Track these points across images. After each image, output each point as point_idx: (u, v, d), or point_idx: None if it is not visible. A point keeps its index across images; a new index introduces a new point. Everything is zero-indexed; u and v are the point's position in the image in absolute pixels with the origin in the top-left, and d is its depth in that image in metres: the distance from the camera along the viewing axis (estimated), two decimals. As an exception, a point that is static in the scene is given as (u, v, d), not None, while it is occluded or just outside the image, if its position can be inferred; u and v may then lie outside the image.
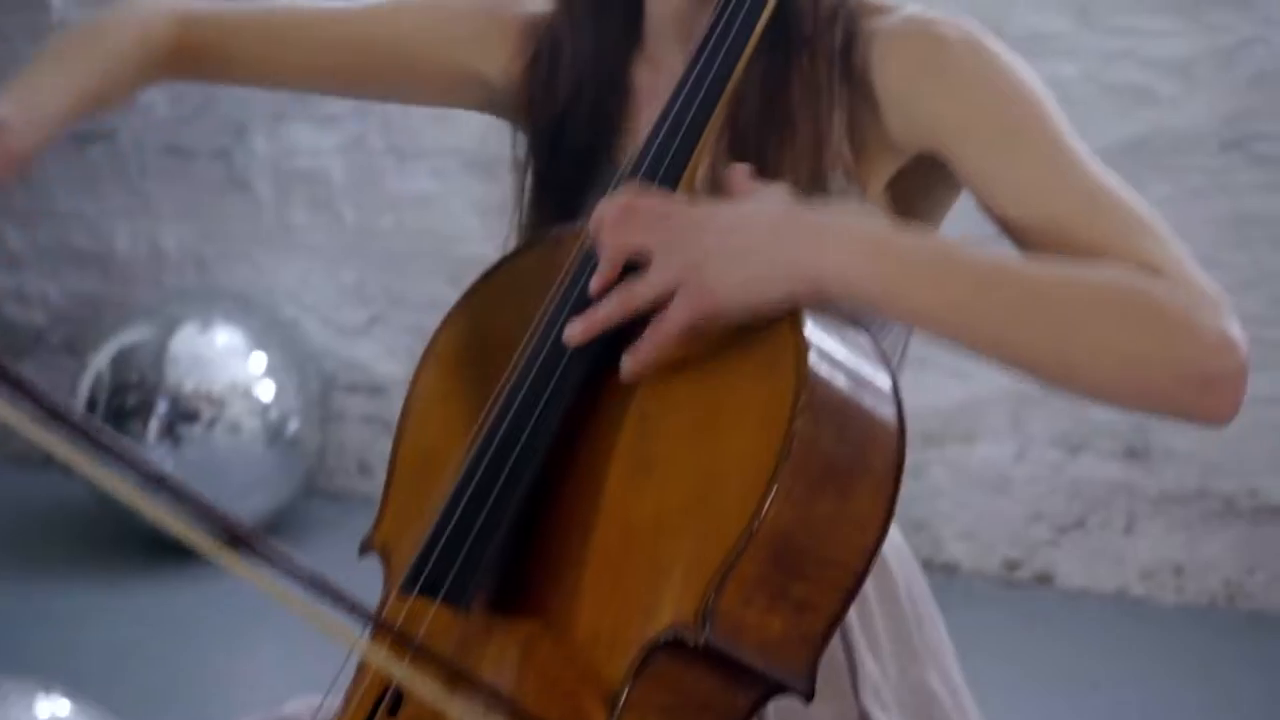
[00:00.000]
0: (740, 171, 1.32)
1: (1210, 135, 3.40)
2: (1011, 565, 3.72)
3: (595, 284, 1.28)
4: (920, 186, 1.50)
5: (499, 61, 1.67)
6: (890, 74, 1.44)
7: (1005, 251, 1.30)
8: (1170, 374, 1.25)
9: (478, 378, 1.38)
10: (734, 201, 1.30)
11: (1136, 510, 3.61)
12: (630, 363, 1.26)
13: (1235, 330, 1.25)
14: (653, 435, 1.27)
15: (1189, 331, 1.25)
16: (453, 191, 4.01)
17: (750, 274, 1.25)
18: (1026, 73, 1.43)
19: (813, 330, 1.23)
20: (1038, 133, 1.40)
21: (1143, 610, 3.61)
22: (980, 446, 3.69)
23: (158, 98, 4.28)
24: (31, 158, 1.50)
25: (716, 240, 1.26)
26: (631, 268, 1.27)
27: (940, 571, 3.74)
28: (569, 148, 1.58)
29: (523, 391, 1.31)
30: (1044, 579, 3.70)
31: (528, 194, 1.62)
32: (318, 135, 4.15)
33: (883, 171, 1.49)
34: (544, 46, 1.63)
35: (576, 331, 1.28)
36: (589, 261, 1.31)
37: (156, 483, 1.11)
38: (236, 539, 1.17)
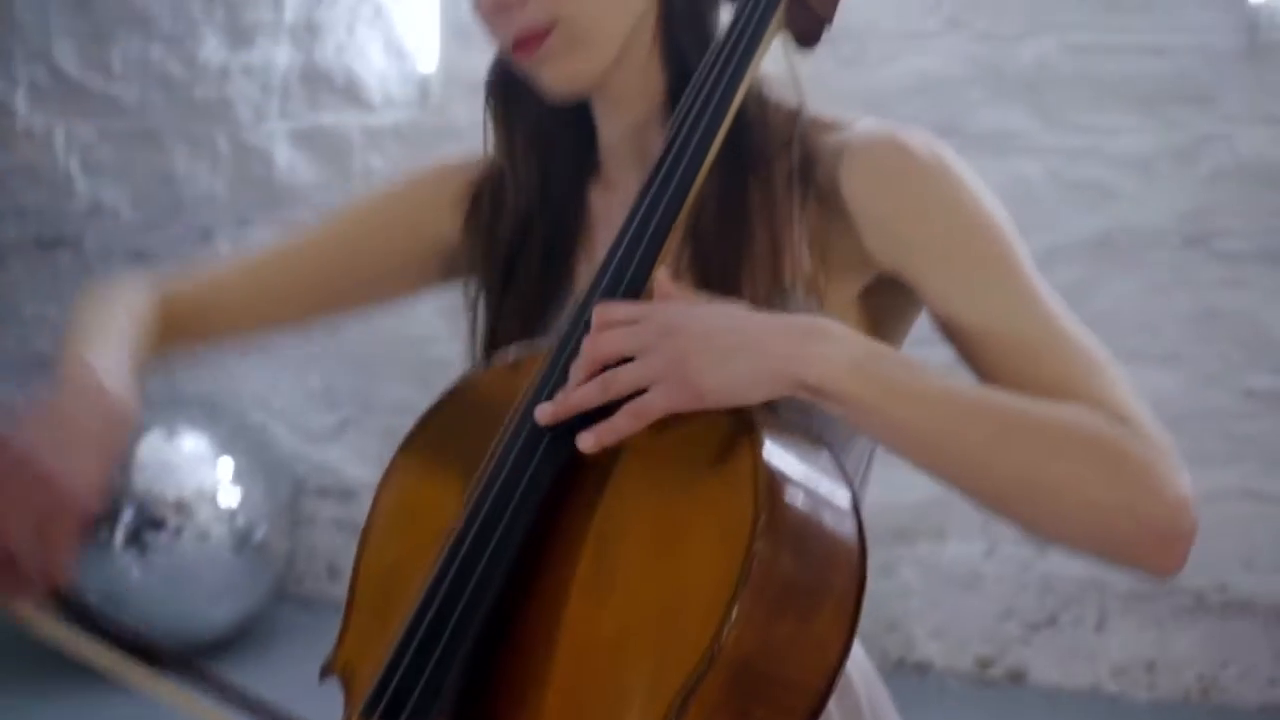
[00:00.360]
0: (662, 276, 1.33)
1: (1172, 231, 3.42)
2: (984, 663, 3.71)
3: (571, 389, 1.28)
4: (887, 304, 1.50)
5: (450, 220, 1.68)
6: (860, 189, 1.45)
7: (978, 384, 1.31)
8: (1133, 526, 1.26)
9: (438, 499, 1.38)
10: (711, 304, 1.31)
11: (1108, 607, 3.60)
12: (590, 436, 1.26)
13: (1188, 488, 1.26)
14: (612, 556, 1.26)
15: (1154, 488, 1.25)
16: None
17: (736, 372, 1.26)
18: (990, 197, 1.44)
19: (772, 450, 1.23)
20: (1004, 264, 1.40)
21: (1116, 707, 3.59)
22: (950, 544, 3.69)
23: (122, 203, 4.29)
24: (131, 421, 1.44)
25: (700, 340, 1.27)
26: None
27: (913, 671, 3.72)
28: (524, 276, 1.59)
29: (485, 507, 1.30)
30: (1017, 677, 3.69)
31: (481, 328, 1.62)
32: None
33: (848, 288, 1.49)
34: (485, 185, 1.64)
35: (548, 412, 1.28)
36: (554, 377, 1.31)
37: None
38: (168, 663, 1.16)
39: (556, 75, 1.52)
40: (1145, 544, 1.27)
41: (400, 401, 3.98)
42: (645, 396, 1.25)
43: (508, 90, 1.61)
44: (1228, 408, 3.41)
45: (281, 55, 4.11)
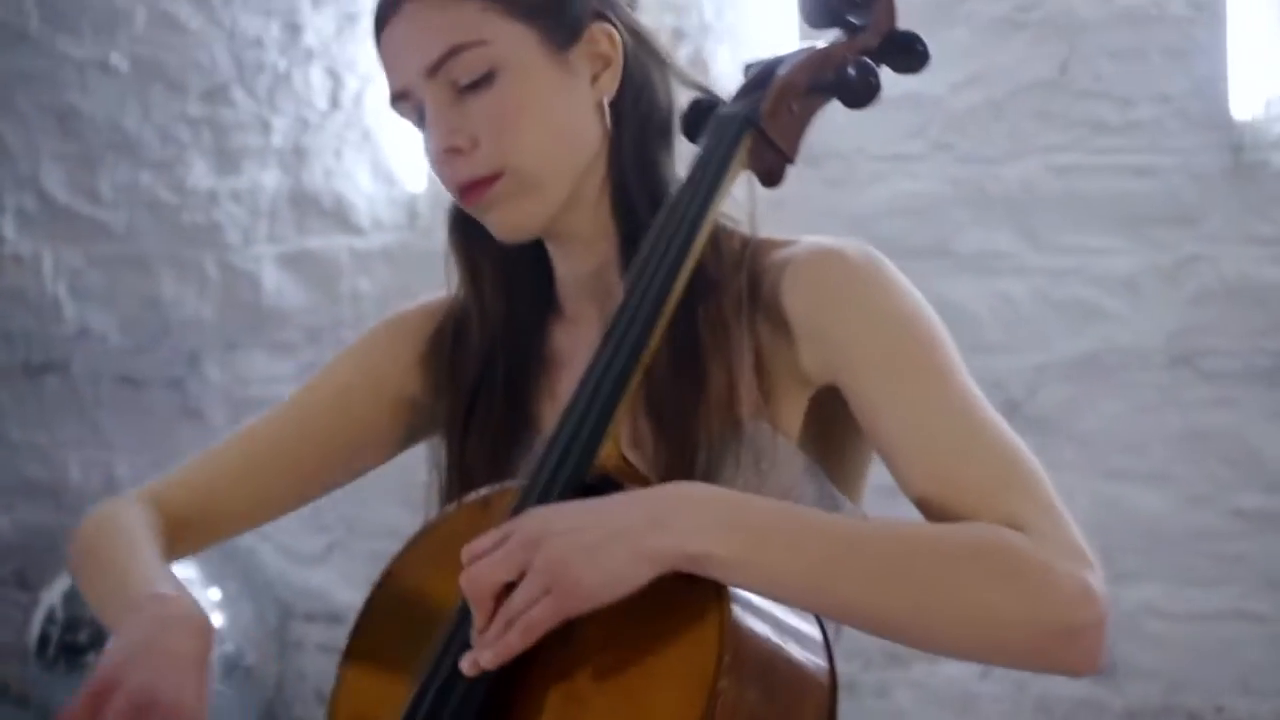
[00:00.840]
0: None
1: (1159, 350, 3.43)
2: (977, 786, 3.68)
3: (479, 629, 1.27)
4: (840, 418, 1.51)
5: (418, 379, 1.69)
6: (798, 298, 1.47)
7: (867, 518, 1.35)
8: (1029, 630, 1.26)
9: (406, 655, 1.38)
10: (571, 502, 1.31)
11: (1102, 728, 3.58)
12: (473, 658, 1.26)
13: (1096, 582, 1.28)
14: (578, 703, 1.26)
15: (1047, 585, 1.26)
16: (408, 418, 4.00)
17: (613, 564, 1.25)
18: (922, 304, 1.46)
19: (739, 613, 1.23)
20: (927, 367, 1.42)
21: (1111, 830, 3.56)
22: (944, 665, 3.67)
23: (110, 328, 4.29)
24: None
25: (566, 540, 1.26)
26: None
27: (905, 794, 3.69)
28: (486, 415, 1.59)
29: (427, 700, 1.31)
30: (1010, 800, 3.66)
31: (445, 477, 1.62)
32: (271, 363, 4.16)
33: (795, 406, 1.50)
34: (448, 323, 1.65)
35: (467, 664, 1.28)
36: (464, 618, 1.31)
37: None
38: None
39: (503, 220, 1.53)
40: (1047, 645, 1.26)
41: (388, 524, 3.92)
42: (532, 613, 1.24)
43: (469, 226, 1.62)
44: (1217, 528, 3.40)
45: (269, 179, 4.12)
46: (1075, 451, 3.44)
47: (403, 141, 3.95)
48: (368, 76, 4.03)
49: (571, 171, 1.53)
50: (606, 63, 1.56)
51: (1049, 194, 3.48)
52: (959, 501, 1.34)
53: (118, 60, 4.23)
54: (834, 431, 1.52)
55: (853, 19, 1.53)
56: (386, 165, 4.01)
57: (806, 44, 1.55)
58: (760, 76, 1.53)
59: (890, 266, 1.48)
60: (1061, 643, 1.26)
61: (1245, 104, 3.35)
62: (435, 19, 1.50)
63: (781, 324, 1.48)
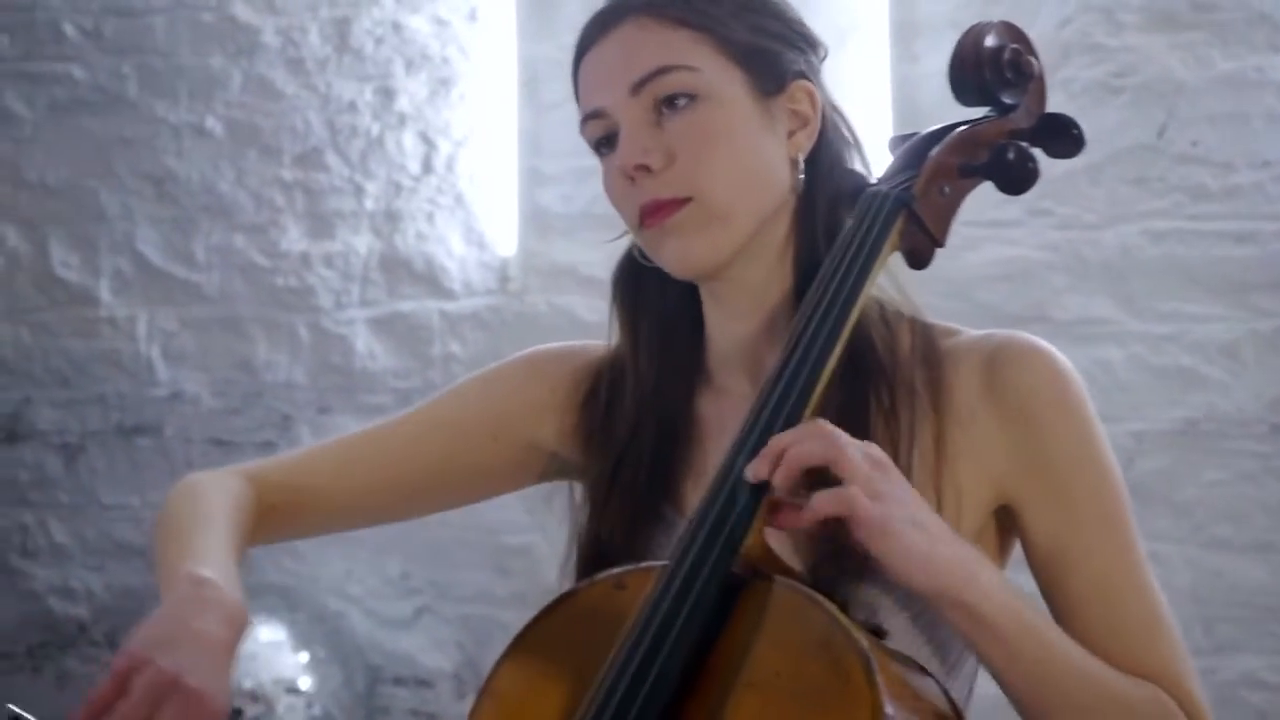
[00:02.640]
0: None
1: (1259, 419, 3.38)
2: None
3: (778, 440, 1.32)
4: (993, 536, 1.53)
5: (552, 427, 1.66)
6: (1006, 413, 1.47)
7: (1075, 645, 1.40)
8: None
9: (543, 712, 1.37)
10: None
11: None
12: (776, 517, 1.31)
13: None
14: None
15: None
16: (498, 482, 4.00)
17: (925, 551, 1.28)
18: (1109, 444, 1.48)
19: (884, 684, 1.23)
20: (1122, 526, 1.47)
21: None
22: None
23: (202, 390, 4.31)
24: (246, 615, 1.47)
25: (911, 499, 1.30)
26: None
27: None
28: (629, 483, 1.56)
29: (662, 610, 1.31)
30: None
31: (584, 532, 1.59)
32: (361, 425, 4.15)
33: (971, 502, 1.48)
34: (603, 382, 1.62)
35: (755, 467, 1.31)
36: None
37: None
38: None
39: (683, 250, 1.50)
40: None
41: (478, 589, 3.95)
42: (853, 493, 1.28)
43: (637, 282, 1.59)
44: (1320, 599, 3.35)
45: (361, 243, 4.14)
46: (1175, 521, 3.40)
47: (494, 205, 3.96)
48: (460, 141, 4.04)
49: (758, 213, 1.51)
50: (804, 121, 1.56)
51: (1147, 260, 3.44)
52: (1125, 660, 1.41)
53: (213, 124, 4.26)
54: (999, 536, 1.52)
55: (1005, 98, 1.51)
56: (478, 229, 4.01)
57: (958, 120, 1.53)
58: (911, 155, 1.50)
59: (1082, 384, 1.50)
60: None
61: (1347, 169, 3.31)
62: (649, 39, 1.51)
63: (977, 424, 1.47)
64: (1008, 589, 1.33)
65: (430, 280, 4.07)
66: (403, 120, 4.10)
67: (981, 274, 3.52)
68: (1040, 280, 3.49)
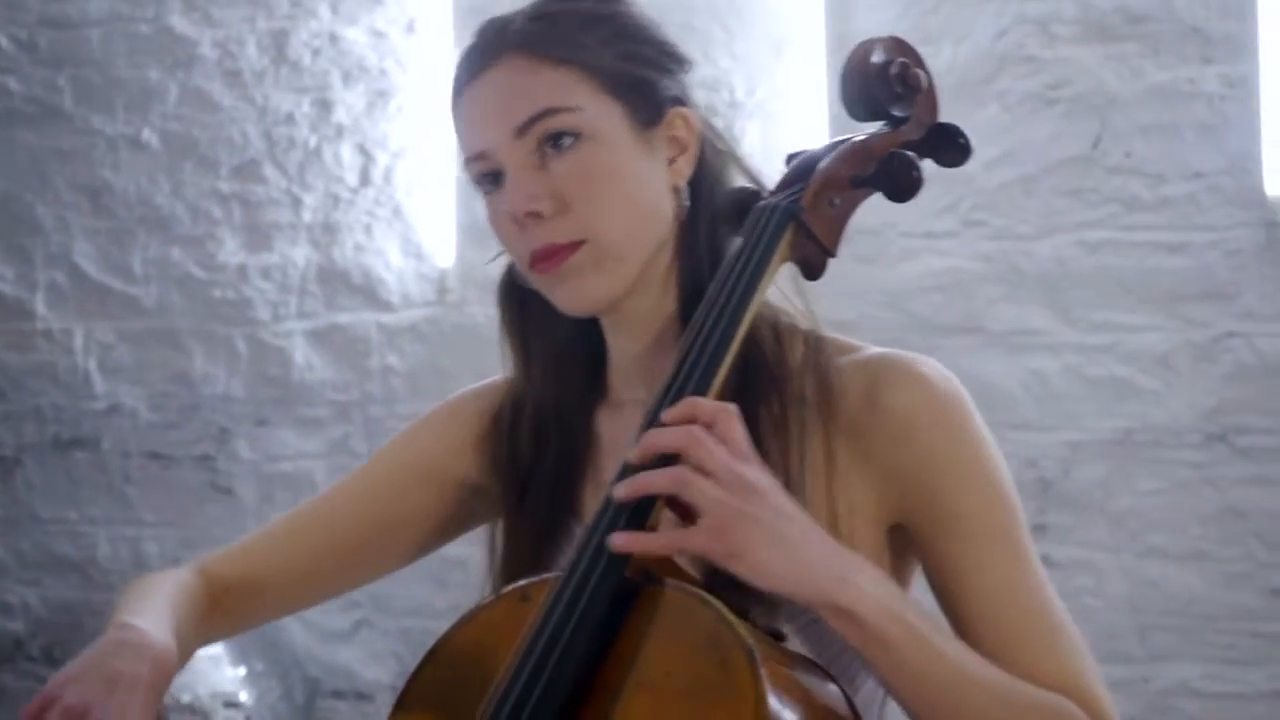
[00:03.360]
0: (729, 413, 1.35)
1: (1193, 428, 3.41)
2: None
3: (633, 458, 1.34)
4: (899, 549, 1.54)
5: (475, 458, 1.69)
6: (885, 434, 1.49)
7: (967, 650, 1.41)
8: None
9: None
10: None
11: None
12: (623, 540, 1.31)
13: None
14: None
15: None
16: (437, 494, 3.99)
17: (779, 562, 1.29)
18: (999, 454, 1.50)
19: (769, 678, 1.25)
20: (1010, 540, 1.48)
21: None
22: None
23: (140, 403, 4.29)
24: (174, 664, 1.47)
25: (771, 514, 1.30)
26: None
27: None
28: (535, 501, 1.59)
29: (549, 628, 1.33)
30: None
31: (499, 551, 1.62)
32: (301, 439, 4.15)
33: (863, 515, 1.50)
34: (505, 406, 1.64)
35: (622, 491, 1.33)
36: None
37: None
38: None
39: (577, 292, 1.52)
40: None
41: (416, 602, 3.93)
42: (691, 532, 1.29)
43: (523, 305, 1.61)
44: (1254, 607, 3.38)
45: (299, 255, 4.13)
46: (1110, 530, 3.43)
47: (432, 217, 3.96)
48: (398, 153, 4.04)
49: (648, 248, 1.53)
50: (683, 147, 1.56)
51: (1081, 271, 3.47)
52: (1029, 671, 1.42)
53: (149, 136, 4.25)
54: (898, 537, 1.53)
55: (895, 111, 1.53)
56: (416, 241, 4.01)
57: (848, 135, 1.55)
58: (802, 168, 1.52)
59: (966, 395, 1.50)
60: None
61: (1278, 180, 3.35)
62: (529, 81, 1.51)
63: (863, 448, 1.49)
64: (893, 596, 1.34)
65: (368, 292, 4.06)
66: (340, 132, 4.10)
67: (917, 285, 3.54)
68: (975, 291, 3.51)
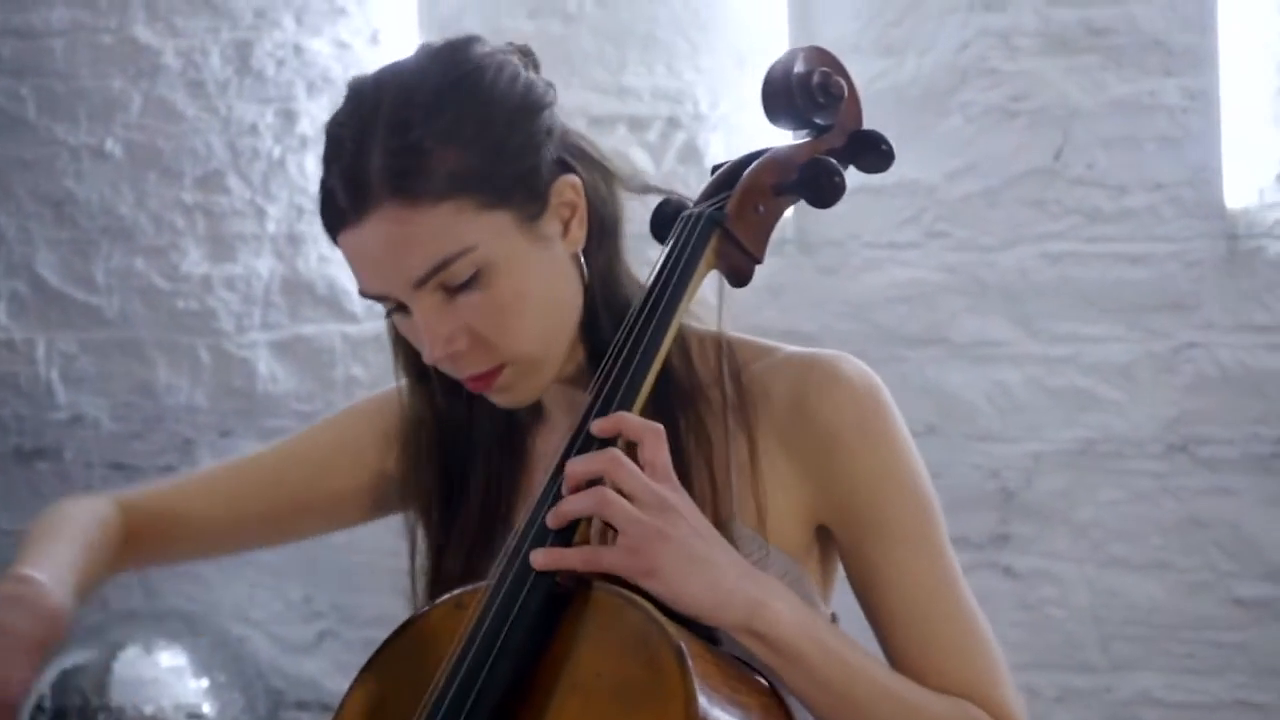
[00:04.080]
0: (656, 434, 1.38)
1: (1155, 439, 3.42)
2: None
3: (566, 488, 1.35)
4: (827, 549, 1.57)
5: (390, 453, 1.70)
6: (807, 439, 1.50)
7: (883, 665, 1.45)
8: None
9: None
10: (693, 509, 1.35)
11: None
12: (544, 558, 1.33)
13: None
14: None
15: None
16: (401, 505, 3.98)
17: (693, 583, 1.30)
18: (916, 455, 1.52)
19: (698, 676, 1.26)
20: (926, 541, 1.50)
21: None
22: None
23: (102, 414, 4.27)
24: (68, 621, 1.47)
25: (686, 536, 1.32)
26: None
27: None
28: (467, 518, 1.61)
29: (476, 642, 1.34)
30: None
31: (428, 569, 1.64)
32: (263, 449, 4.14)
33: (789, 517, 1.51)
34: (425, 421, 1.66)
35: (551, 517, 1.35)
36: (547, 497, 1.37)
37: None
38: None
39: (512, 399, 1.56)
40: None
41: (380, 613, 3.91)
42: (604, 550, 1.32)
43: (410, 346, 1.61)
44: (1216, 616, 3.38)
45: (263, 266, 4.12)
46: (1072, 540, 3.43)
47: (397, 228, 3.95)
48: (363, 163, 4.03)
49: (566, 337, 1.53)
50: (573, 210, 1.52)
51: (1044, 282, 3.47)
52: (937, 669, 1.46)
53: (112, 146, 4.24)
54: (822, 541, 1.54)
55: (818, 119, 1.55)
56: (381, 252, 4.00)
57: (774, 144, 1.56)
58: (726, 177, 1.54)
59: (888, 398, 1.51)
60: None
61: (1239, 192, 3.36)
62: (414, 231, 1.44)
63: (785, 446, 1.50)
64: (805, 616, 1.37)
65: (332, 303, 4.06)
66: (304, 143, 4.09)
67: (880, 296, 3.54)
68: (938, 302, 3.52)
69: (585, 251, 1.54)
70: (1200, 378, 3.39)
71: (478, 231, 1.44)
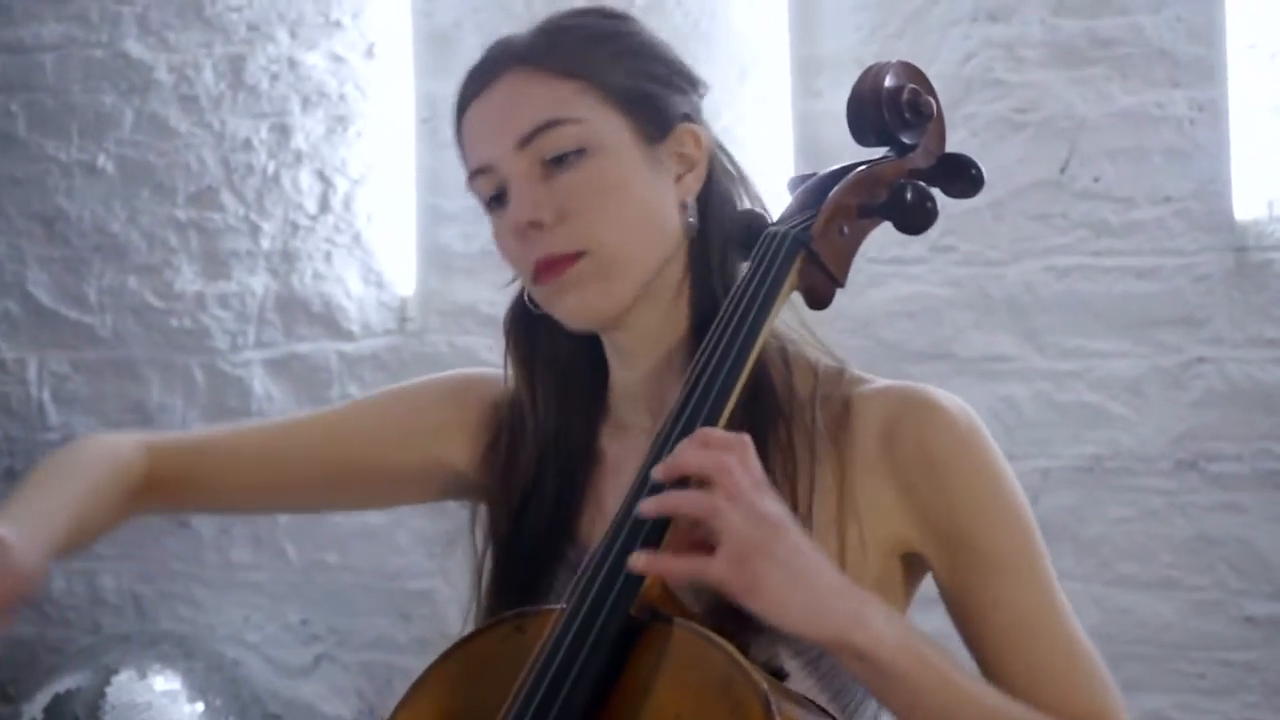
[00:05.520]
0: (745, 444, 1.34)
1: (1164, 455, 3.40)
2: None
3: (658, 471, 1.31)
4: (906, 569, 1.53)
5: (463, 450, 1.68)
6: (909, 467, 1.49)
7: (996, 690, 1.40)
8: None
9: None
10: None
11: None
12: (645, 561, 1.28)
13: None
14: None
15: None
16: (398, 524, 3.95)
17: (795, 600, 1.26)
18: (1018, 486, 1.49)
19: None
20: (1030, 568, 1.47)
21: None
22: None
23: (98, 430, 4.25)
24: (37, 580, 1.45)
25: (787, 552, 1.27)
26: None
27: None
28: (532, 525, 1.57)
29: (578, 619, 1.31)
30: None
31: (488, 574, 1.61)
32: (261, 470, 4.11)
33: (870, 551, 1.49)
34: (505, 427, 1.64)
35: (659, 470, 1.31)
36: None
37: None
38: None
39: (579, 304, 1.52)
40: None
41: (378, 635, 3.91)
42: (711, 560, 1.26)
43: (528, 330, 1.60)
44: (1226, 635, 3.37)
45: (258, 283, 4.10)
46: (1080, 558, 3.41)
47: (393, 244, 3.94)
48: (358, 179, 4.02)
49: (652, 260, 1.52)
50: (691, 164, 1.56)
51: (1051, 296, 3.46)
52: (1045, 694, 1.42)
53: (104, 163, 4.22)
54: (896, 575, 1.51)
55: (905, 138, 1.52)
56: (376, 269, 3.99)
57: (857, 160, 1.53)
58: (811, 195, 1.51)
59: (983, 426, 1.49)
60: None
61: (1247, 205, 3.33)
62: (534, 92, 1.51)
63: (880, 475, 1.48)
64: (906, 631, 1.33)
65: (328, 321, 4.04)
66: (299, 158, 4.08)
67: (886, 310, 3.52)
68: (944, 317, 3.50)
69: (700, 211, 1.55)
70: (1209, 393, 3.37)
71: (592, 114, 1.51)
